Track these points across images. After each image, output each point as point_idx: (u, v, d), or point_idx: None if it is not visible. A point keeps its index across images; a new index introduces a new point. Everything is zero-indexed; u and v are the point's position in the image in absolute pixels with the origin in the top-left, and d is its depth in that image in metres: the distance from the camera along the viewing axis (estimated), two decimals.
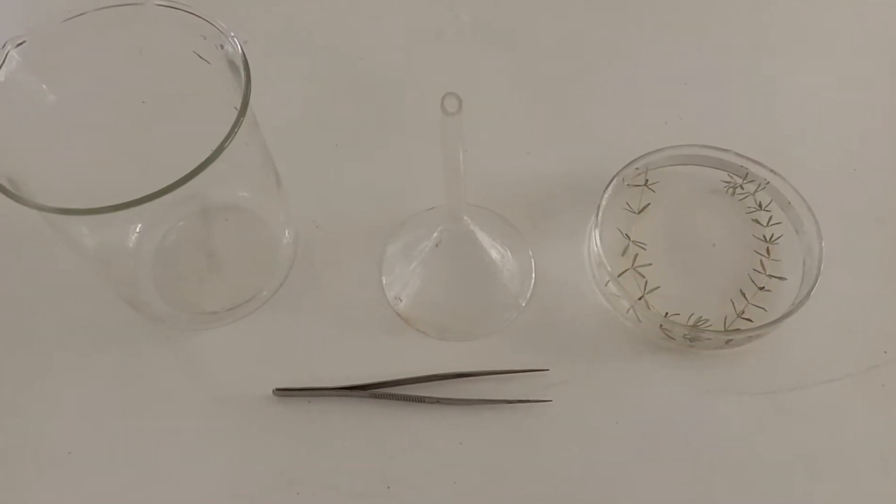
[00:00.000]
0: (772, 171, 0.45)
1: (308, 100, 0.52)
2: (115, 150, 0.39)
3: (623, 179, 0.45)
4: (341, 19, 0.56)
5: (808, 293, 0.40)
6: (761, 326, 0.39)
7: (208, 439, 0.39)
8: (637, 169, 0.46)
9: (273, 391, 0.40)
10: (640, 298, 0.42)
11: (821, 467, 0.38)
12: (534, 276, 0.44)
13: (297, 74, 0.53)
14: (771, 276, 0.43)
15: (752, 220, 0.45)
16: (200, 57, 0.36)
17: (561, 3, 0.57)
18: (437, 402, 0.39)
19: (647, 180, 0.46)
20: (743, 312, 0.42)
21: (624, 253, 0.44)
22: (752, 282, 0.43)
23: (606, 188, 0.44)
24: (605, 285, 0.42)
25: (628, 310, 0.41)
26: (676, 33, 0.55)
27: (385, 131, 0.50)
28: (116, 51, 0.37)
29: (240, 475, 0.38)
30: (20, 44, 0.34)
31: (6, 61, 0.33)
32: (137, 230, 0.43)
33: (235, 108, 0.32)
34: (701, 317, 0.41)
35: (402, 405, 0.40)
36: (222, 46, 0.34)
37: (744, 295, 0.42)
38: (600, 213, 0.43)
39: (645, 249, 0.44)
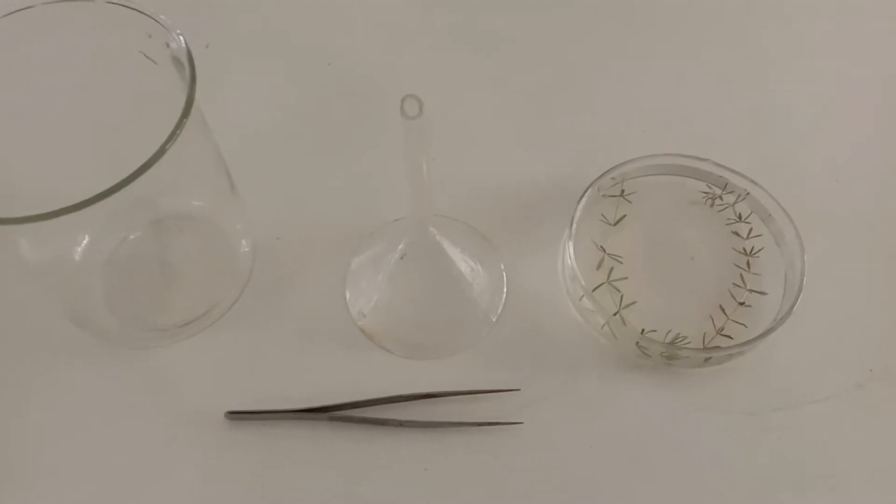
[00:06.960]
0: (752, 181, 0.43)
1: (272, 105, 0.50)
2: (59, 155, 0.37)
3: (598, 190, 0.43)
4: (310, 23, 0.54)
5: (791, 308, 0.39)
6: (741, 344, 0.38)
7: (158, 464, 0.37)
8: (613, 179, 0.44)
9: (225, 414, 0.37)
10: (615, 314, 0.40)
11: (805, 489, 0.37)
12: (505, 290, 0.42)
13: (261, 79, 0.51)
14: (751, 290, 0.41)
15: (732, 232, 0.44)
16: (147, 56, 0.33)
17: (537, 9, 0.56)
18: (401, 424, 0.37)
19: (623, 191, 0.45)
20: (722, 329, 0.40)
21: (599, 266, 0.42)
22: (733, 297, 0.41)
23: (581, 199, 0.42)
24: (580, 300, 0.40)
25: (603, 326, 0.39)
26: (656, 41, 0.54)
27: (353, 139, 0.48)
28: (61, 49, 0.35)
29: (192, 503, 0.36)
30: None
31: None
32: (85, 241, 0.40)
33: None
34: (679, 333, 0.39)
35: (364, 428, 0.37)
36: (168, 44, 0.32)
37: (723, 310, 0.41)
38: (574, 225, 0.41)
39: (621, 263, 0.42)
